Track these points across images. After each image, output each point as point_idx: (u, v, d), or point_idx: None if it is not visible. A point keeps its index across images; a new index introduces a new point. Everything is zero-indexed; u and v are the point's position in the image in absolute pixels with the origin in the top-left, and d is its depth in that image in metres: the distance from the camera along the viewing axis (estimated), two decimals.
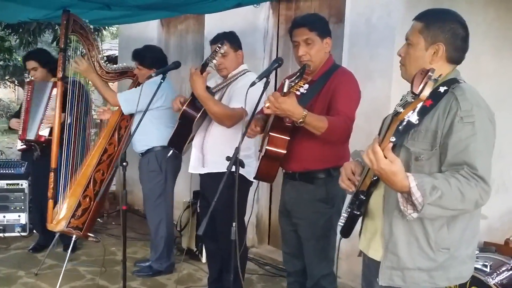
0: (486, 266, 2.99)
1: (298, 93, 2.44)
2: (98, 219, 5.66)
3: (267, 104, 2.42)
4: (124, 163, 3.26)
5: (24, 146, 4.68)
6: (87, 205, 4.01)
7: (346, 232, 2.08)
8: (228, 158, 2.52)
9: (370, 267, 2.11)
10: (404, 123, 1.64)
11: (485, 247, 4.12)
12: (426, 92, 1.57)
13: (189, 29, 5.81)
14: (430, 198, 1.70)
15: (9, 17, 5.23)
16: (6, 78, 15.45)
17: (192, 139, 3.47)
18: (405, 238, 1.92)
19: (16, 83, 16.81)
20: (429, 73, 1.59)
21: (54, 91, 4.43)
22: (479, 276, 2.87)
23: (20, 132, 4.56)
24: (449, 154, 1.81)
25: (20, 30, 7.38)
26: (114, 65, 4.46)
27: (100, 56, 4.18)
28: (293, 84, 2.40)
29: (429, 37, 1.94)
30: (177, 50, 6.03)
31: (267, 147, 2.68)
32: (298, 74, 2.45)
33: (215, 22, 5.12)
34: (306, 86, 2.45)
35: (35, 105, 4.55)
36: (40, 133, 4.46)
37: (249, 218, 3.25)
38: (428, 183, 1.71)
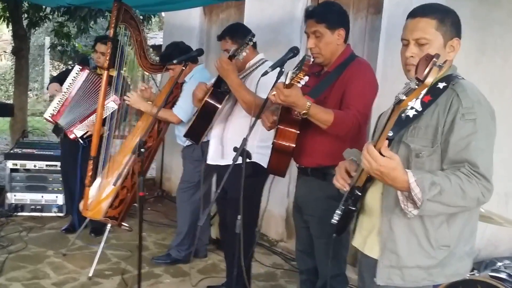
0: None
1: (299, 85, 2.34)
2: (134, 204, 5.74)
3: (274, 93, 2.37)
4: (142, 149, 3.23)
5: (51, 120, 4.68)
6: (124, 196, 4.05)
7: (341, 229, 2.03)
8: (235, 149, 2.46)
9: (365, 265, 2.06)
10: (407, 111, 1.59)
11: None
12: (431, 78, 1.50)
13: (230, 18, 5.75)
14: (429, 193, 1.66)
15: (47, 1, 5.32)
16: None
17: (210, 130, 3.41)
18: (404, 236, 1.88)
19: None
20: (434, 59, 1.51)
21: (110, 104, 4.40)
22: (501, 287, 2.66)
23: (54, 110, 4.58)
24: (450, 151, 1.77)
25: (77, 16, 7.62)
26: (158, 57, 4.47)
27: (146, 47, 4.15)
28: (294, 76, 2.31)
29: (447, 33, 1.87)
30: None
31: (275, 140, 2.62)
32: (298, 65, 2.35)
33: (255, 11, 5.07)
34: (307, 78, 2.36)
35: (80, 98, 4.59)
36: (74, 130, 4.57)
37: (265, 208, 3.18)
38: (427, 179, 1.68)
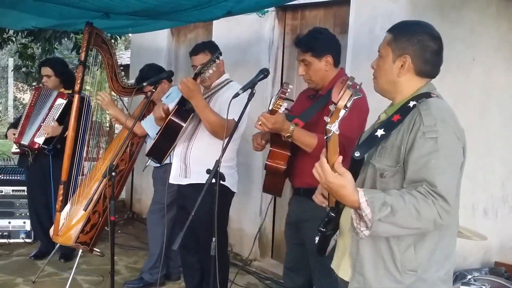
0: None
1: (280, 111, 2.47)
2: (106, 227, 5.65)
3: (260, 122, 2.48)
4: (113, 173, 3.20)
5: (18, 150, 4.69)
6: (96, 221, 3.98)
7: (320, 250, 2.03)
8: (208, 171, 2.48)
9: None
10: (330, 134, 1.59)
11: (495, 268, 3.94)
12: (343, 101, 1.55)
13: (198, 38, 5.77)
14: (379, 214, 1.62)
15: (12, 24, 5.28)
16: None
17: (173, 149, 3.40)
18: (371, 258, 1.83)
19: None
20: (348, 82, 1.56)
21: (58, 101, 4.48)
22: None
23: (16, 135, 4.58)
24: (409, 170, 1.73)
25: (42, 37, 7.54)
26: (130, 81, 4.46)
27: (118, 70, 4.13)
28: (274, 102, 2.47)
29: (397, 49, 1.88)
30: (186, 59, 5.99)
31: (266, 162, 2.72)
32: (277, 93, 2.50)
33: (223, 31, 5.10)
34: (285, 104, 2.47)
35: (37, 111, 4.60)
36: (35, 139, 4.48)
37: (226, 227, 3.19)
38: (379, 199, 1.64)
